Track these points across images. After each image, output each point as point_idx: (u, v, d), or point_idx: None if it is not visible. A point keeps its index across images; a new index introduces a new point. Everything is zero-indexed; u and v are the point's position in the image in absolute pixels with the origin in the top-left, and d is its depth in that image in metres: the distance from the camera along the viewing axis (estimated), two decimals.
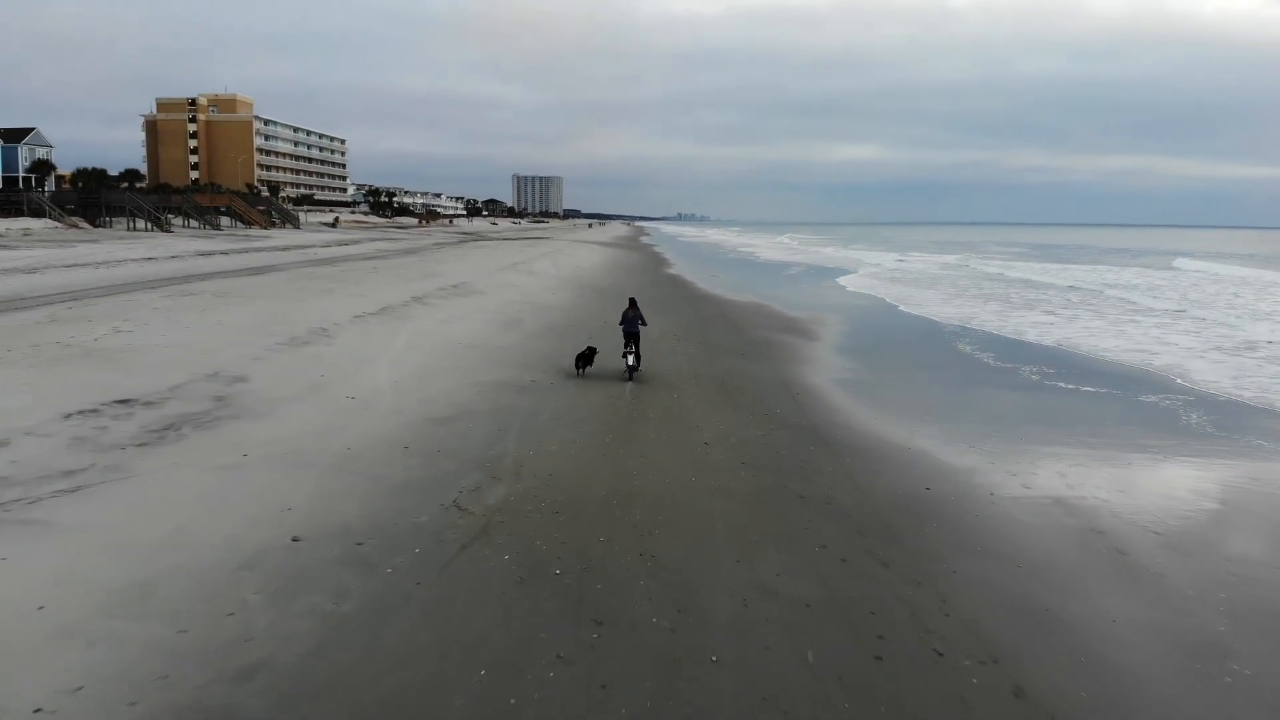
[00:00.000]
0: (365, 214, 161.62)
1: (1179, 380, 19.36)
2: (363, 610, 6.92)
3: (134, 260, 40.05)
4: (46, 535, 7.87)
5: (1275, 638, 7.39)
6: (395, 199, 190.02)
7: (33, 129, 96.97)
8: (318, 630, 6.57)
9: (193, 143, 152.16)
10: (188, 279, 31.38)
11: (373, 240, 76.60)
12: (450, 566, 7.82)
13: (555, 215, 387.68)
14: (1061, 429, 14.49)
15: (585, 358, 17.06)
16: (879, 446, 12.87)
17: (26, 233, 60.51)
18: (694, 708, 5.88)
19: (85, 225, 73.10)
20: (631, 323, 17.18)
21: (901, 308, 35.50)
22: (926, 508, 10.11)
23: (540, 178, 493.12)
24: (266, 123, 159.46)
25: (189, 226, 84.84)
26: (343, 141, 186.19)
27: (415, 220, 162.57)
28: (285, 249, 55.39)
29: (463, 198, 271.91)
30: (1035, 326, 29.07)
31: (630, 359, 16.94)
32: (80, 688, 5.64)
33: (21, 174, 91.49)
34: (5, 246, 45.69)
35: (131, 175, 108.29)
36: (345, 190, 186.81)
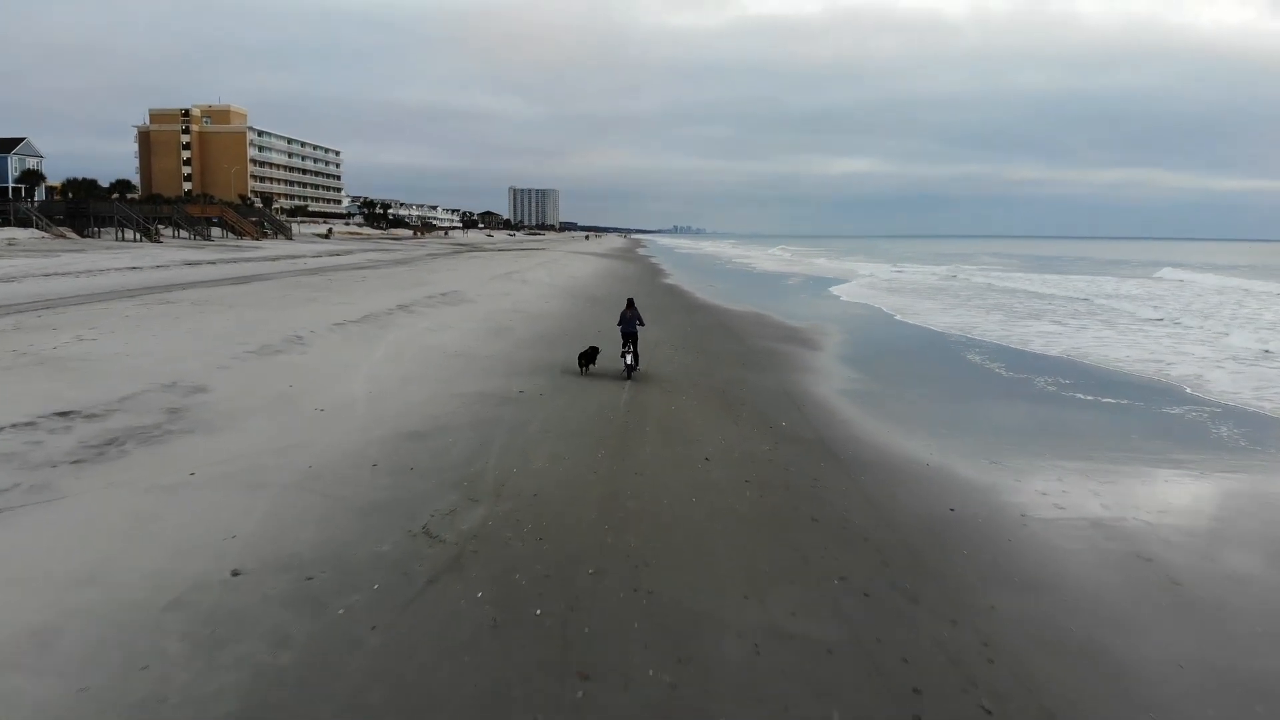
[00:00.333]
0: (360, 226, 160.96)
1: (1197, 392, 18.38)
2: (304, 662, 5.82)
3: (117, 269, 38.96)
4: None
5: None
6: (390, 211, 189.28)
7: (23, 139, 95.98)
8: (247, 687, 5.48)
9: (186, 153, 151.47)
10: (169, 288, 30.32)
11: (365, 251, 75.54)
12: (413, 606, 6.73)
13: (551, 228, 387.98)
14: (1084, 443, 13.45)
15: (589, 357, 17.74)
16: (894, 462, 11.84)
17: (11, 243, 59.41)
18: None
19: (73, 235, 72.10)
20: (630, 323, 17.57)
21: (898, 317, 34.60)
22: (952, 531, 9.07)
23: (537, 190, 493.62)
24: (260, 134, 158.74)
25: (179, 237, 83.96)
26: (337, 153, 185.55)
27: (410, 232, 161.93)
28: (274, 259, 54.35)
29: (458, 210, 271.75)
30: (1041, 336, 28.07)
31: (629, 358, 17.33)
32: None
33: (11, 184, 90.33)
34: None
35: (123, 186, 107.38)
36: (340, 202, 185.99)
